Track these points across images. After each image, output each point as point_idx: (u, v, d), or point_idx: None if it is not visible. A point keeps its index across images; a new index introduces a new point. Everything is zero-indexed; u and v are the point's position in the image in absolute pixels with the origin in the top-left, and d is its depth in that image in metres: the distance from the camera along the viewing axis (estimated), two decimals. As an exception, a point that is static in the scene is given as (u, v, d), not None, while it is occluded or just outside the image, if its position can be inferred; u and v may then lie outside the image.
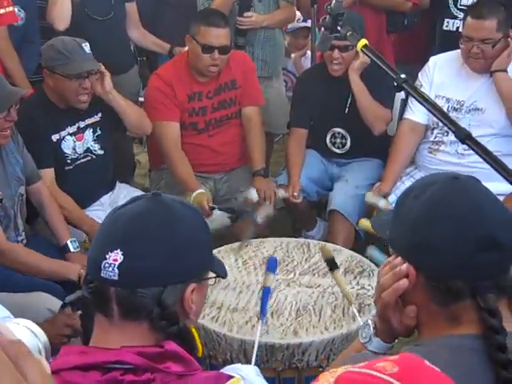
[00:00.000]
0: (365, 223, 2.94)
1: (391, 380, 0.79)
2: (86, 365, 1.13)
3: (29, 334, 0.71)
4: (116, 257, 1.19)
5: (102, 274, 1.19)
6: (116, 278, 1.18)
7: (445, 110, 3.01)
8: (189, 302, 1.24)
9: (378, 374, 0.80)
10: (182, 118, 3.28)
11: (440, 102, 3.04)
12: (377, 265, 2.52)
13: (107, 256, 1.19)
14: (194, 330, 1.28)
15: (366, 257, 2.73)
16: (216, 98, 3.31)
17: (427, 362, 0.85)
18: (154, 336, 1.20)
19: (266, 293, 2.21)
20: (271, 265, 2.35)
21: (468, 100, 3.05)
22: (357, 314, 2.18)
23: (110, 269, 1.19)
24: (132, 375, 1.12)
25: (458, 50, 3.09)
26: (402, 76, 1.54)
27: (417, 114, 3.18)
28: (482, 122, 3.00)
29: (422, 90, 3.11)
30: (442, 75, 3.13)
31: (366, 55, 1.65)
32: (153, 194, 1.29)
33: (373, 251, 2.97)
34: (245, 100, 3.38)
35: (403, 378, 0.79)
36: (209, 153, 3.37)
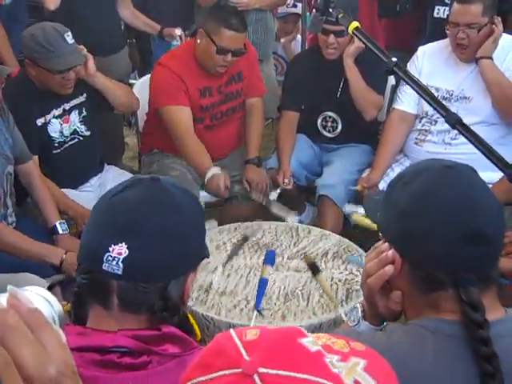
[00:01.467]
0: (357, 218, 2.91)
1: (240, 348, 0.75)
2: (84, 347, 1.11)
3: (43, 302, 0.66)
4: (121, 250, 1.14)
5: (104, 267, 1.15)
6: (120, 272, 1.15)
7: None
8: (188, 292, 1.23)
9: (235, 337, 0.77)
10: (194, 113, 3.15)
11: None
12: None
13: (110, 249, 1.15)
14: (190, 315, 1.27)
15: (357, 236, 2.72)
16: (225, 90, 3.23)
17: (303, 341, 0.75)
18: (151, 323, 1.19)
19: (262, 284, 2.19)
20: (269, 258, 2.31)
21: (457, 89, 3.06)
22: (345, 319, 2.13)
23: (114, 262, 1.14)
24: (128, 358, 1.11)
25: (447, 39, 3.09)
26: (393, 59, 1.53)
27: (406, 103, 3.18)
28: (469, 110, 3.00)
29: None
30: (431, 65, 3.12)
31: (357, 38, 1.63)
32: (151, 179, 1.24)
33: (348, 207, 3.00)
34: (250, 92, 3.33)
35: (252, 348, 0.74)
36: (209, 148, 3.24)
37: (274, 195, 3.16)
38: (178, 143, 3.14)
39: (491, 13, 2.93)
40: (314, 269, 2.27)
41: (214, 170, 3.00)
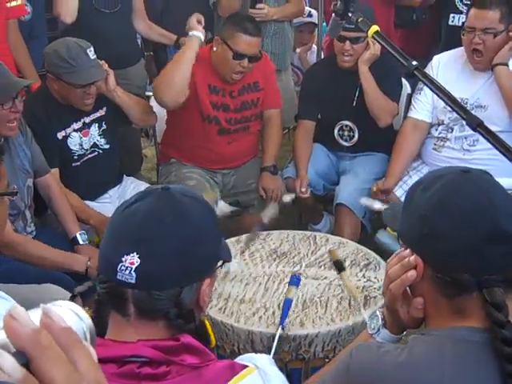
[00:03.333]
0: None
1: None
2: (102, 358, 1.12)
3: (74, 317, 0.64)
4: (133, 260, 1.17)
5: (118, 277, 1.18)
6: (133, 281, 1.17)
7: (448, 109, 3.00)
8: (204, 298, 1.24)
9: None
10: (206, 109, 3.20)
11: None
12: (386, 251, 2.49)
13: (123, 259, 1.18)
14: (206, 321, 1.29)
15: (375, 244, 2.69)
16: (239, 98, 3.25)
17: None
18: (170, 331, 1.20)
19: (286, 304, 2.19)
20: (294, 281, 2.32)
21: (472, 98, 3.04)
22: (366, 318, 2.12)
23: (127, 272, 1.17)
24: (148, 368, 1.12)
25: (462, 48, 3.08)
26: (414, 63, 1.53)
27: (420, 112, 3.19)
28: (485, 119, 2.95)
29: (423, 92, 3.12)
30: (446, 74, 3.11)
31: (378, 42, 1.64)
32: (162, 189, 1.27)
33: (381, 235, 2.95)
34: (266, 104, 3.35)
35: None
36: (224, 161, 3.34)
37: (287, 198, 3.16)
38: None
39: (508, 21, 2.92)
40: (340, 266, 2.27)
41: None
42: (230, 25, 3.11)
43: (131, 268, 1.17)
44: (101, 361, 1.10)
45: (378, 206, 2.71)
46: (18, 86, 2.53)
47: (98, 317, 1.24)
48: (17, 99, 2.50)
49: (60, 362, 0.57)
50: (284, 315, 2.14)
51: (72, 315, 0.64)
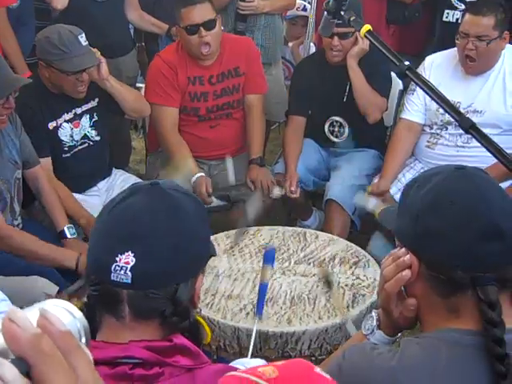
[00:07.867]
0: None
1: None
2: (94, 360, 1.10)
3: (70, 318, 0.61)
4: (127, 259, 1.14)
5: (112, 278, 1.14)
6: (129, 281, 1.14)
7: (440, 111, 2.99)
8: (199, 293, 1.23)
9: (256, 379, 0.80)
10: (183, 101, 3.23)
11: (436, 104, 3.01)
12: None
13: (117, 258, 1.14)
14: (200, 318, 1.27)
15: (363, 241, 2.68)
16: (219, 84, 3.25)
17: (318, 370, 0.83)
18: (163, 331, 1.18)
19: (262, 290, 2.14)
20: (269, 257, 2.25)
21: (465, 102, 3.03)
22: (353, 330, 2.04)
23: (122, 272, 1.14)
24: (141, 369, 1.10)
25: (455, 49, 3.07)
26: (406, 63, 1.52)
27: (413, 113, 3.17)
28: (482, 124, 2.97)
29: (415, 93, 3.11)
30: (438, 76, 3.09)
31: (370, 41, 1.63)
32: (151, 184, 1.23)
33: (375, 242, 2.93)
34: (248, 88, 3.34)
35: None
36: (209, 146, 3.33)
37: (277, 192, 3.16)
38: (163, 143, 3.27)
39: (502, 27, 2.90)
40: (328, 283, 2.25)
41: (198, 175, 3.11)
42: (175, 7, 3.13)
43: (126, 267, 1.13)
44: (94, 363, 1.09)
45: (371, 205, 2.69)
46: (15, 84, 2.50)
47: (88, 320, 1.20)
48: (10, 95, 2.47)
49: (62, 370, 0.55)
50: (260, 303, 2.10)
51: (67, 315, 0.62)
